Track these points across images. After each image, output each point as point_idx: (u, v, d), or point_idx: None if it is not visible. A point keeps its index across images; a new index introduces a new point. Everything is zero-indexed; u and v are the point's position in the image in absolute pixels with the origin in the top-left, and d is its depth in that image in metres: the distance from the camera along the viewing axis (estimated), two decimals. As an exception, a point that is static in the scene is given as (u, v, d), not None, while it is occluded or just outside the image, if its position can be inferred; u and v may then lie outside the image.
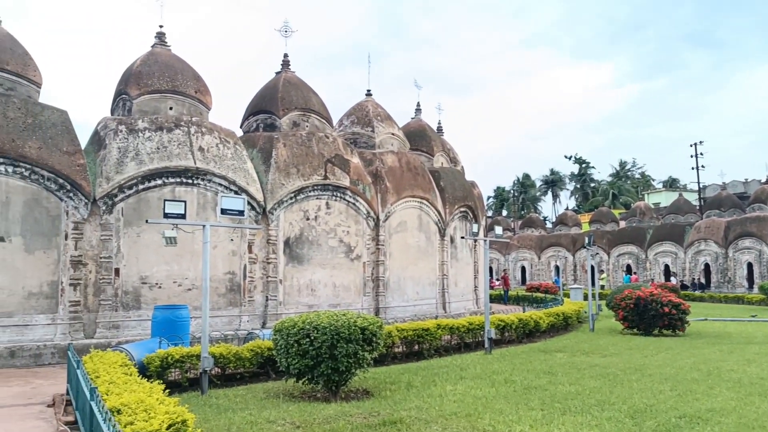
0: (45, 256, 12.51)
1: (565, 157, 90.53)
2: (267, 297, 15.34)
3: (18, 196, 12.35)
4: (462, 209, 21.87)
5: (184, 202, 10.05)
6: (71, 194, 12.81)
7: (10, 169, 12.25)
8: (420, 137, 23.30)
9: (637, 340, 15.56)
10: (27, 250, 12.32)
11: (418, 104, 25.10)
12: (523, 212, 78.94)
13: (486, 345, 13.45)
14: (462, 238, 21.24)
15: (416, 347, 12.96)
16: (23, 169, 12.37)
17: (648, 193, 71.95)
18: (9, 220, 12.21)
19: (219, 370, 9.94)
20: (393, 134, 20.96)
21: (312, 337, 8.47)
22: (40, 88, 14.07)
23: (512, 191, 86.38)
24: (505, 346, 14.52)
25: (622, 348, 14.10)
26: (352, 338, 8.56)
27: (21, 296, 12.15)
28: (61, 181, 12.68)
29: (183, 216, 9.59)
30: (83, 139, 13.94)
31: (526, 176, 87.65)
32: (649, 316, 16.78)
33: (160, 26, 16.61)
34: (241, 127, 18.73)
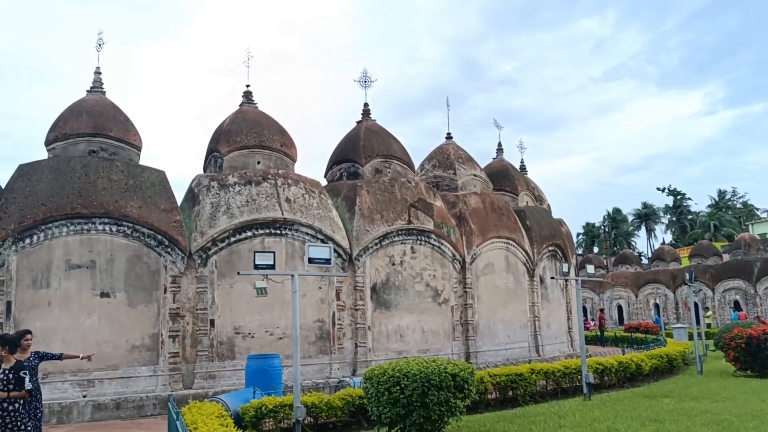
0: (146, 309, 13.12)
1: (658, 189, 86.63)
2: (356, 344, 15.37)
3: (121, 253, 13.09)
4: (550, 248, 21.29)
5: (273, 252, 10.30)
6: (169, 249, 13.45)
7: (114, 228, 13.04)
8: (503, 177, 23.05)
9: (752, 383, 14.37)
10: (130, 304, 12.97)
11: (499, 144, 24.93)
12: (615, 248, 75.88)
13: (584, 390, 12.82)
14: (552, 278, 20.61)
15: (510, 393, 12.52)
16: (126, 228, 13.14)
17: (752, 224, 67.56)
18: (114, 276, 12.93)
19: (311, 420, 9.95)
20: (475, 175, 20.85)
21: (402, 385, 8.35)
22: (140, 150, 15.02)
23: (602, 227, 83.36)
24: (605, 392, 13.78)
25: (735, 392, 13.06)
26: (443, 385, 8.38)
27: (125, 349, 12.75)
28: (159, 237, 13.35)
29: (272, 266, 9.81)
30: (179, 196, 14.70)
31: (617, 211, 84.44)
32: (764, 356, 15.51)
33: (247, 86, 17.48)
34: (325, 176, 19.20)
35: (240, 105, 17.15)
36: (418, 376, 8.32)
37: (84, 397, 12.07)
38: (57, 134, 14.47)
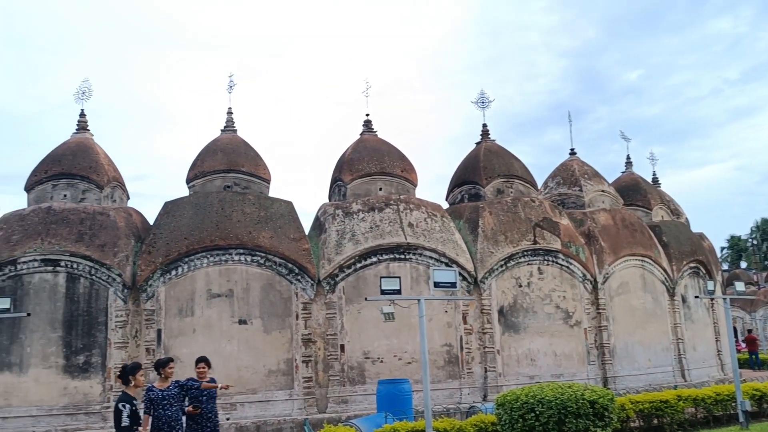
0: (280, 335, 13.65)
1: (813, 195, 78.55)
2: (485, 368, 15.05)
3: (256, 282, 13.76)
4: (692, 265, 19.82)
5: (399, 278, 10.38)
6: (299, 277, 13.96)
7: (248, 258, 13.76)
8: (633, 191, 21.87)
9: None
10: (265, 330, 13.57)
11: (628, 157, 23.72)
12: (766, 263, 69.37)
13: (740, 419, 11.70)
14: (696, 297, 19.14)
15: (655, 421, 11.69)
16: (259, 257, 13.81)
17: None
18: (250, 304, 13.61)
19: (443, 446, 9.80)
20: (603, 191, 19.96)
21: (537, 412, 8.05)
22: (269, 183, 15.83)
23: (750, 240, 76.59)
24: (765, 420, 12.50)
25: None
26: (581, 413, 7.97)
27: (262, 374, 13.32)
28: (290, 265, 13.91)
29: (398, 291, 9.87)
30: (306, 225, 15.26)
31: (767, 222, 77.36)
32: None
33: (367, 115, 17.96)
34: (446, 199, 19.18)
35: (360, 134, 17.63)
36: (554, 403, 7.99)
37: (227, 419, 12.70)
38: (196, 172, 15.59)
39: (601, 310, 16.85)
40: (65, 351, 13.10)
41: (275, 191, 16.08)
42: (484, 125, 19.61)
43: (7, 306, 9.15)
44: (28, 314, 11.40)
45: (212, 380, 8.47)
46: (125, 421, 7.23)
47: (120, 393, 7.85)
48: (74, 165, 15.17)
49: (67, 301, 13.38)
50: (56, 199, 14.83)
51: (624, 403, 11.19)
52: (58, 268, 13.45)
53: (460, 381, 14.64)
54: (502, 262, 15.79)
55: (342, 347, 13.94)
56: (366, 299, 11.40)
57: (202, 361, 8.57)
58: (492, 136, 19.47)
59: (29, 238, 13.62)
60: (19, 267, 13.36)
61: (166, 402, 7.96)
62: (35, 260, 13.38)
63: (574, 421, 7.91)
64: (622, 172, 23.44)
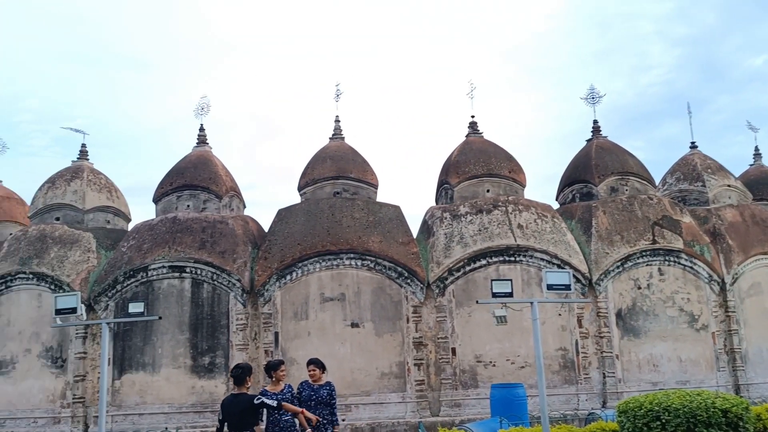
0: (391, 338, 13.80)
1: None
2: (604, 374, 14.44)
3: (366, 285, 14.00)
4: (834, 263, 18.03)
5: (510, 280, 10.18)
6: (408, 280, 14.05)
7: (359, 262, 14.03)
8: (764, 185, 20.24)
9: None
10: (377, 333, 13.76)
11: (756, 148, 21.95)
12: None
13: None
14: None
15: (798, 434, 10.70)
16: (369, 261, 14.05)
17: None
18: (361, 307, 13.87)
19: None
20: (728, 186, 18.62)
21: (663, 420, 7.60)
22: (377, 188, 16.07)
23: None
24: None
25: None
26: (713, 422, 7.44)
27: (375, 376, 13.51)
28: (399, 269, 14.03)
29: (510, 294, 9.68)
30: (414, 229, 15.33)
31: None
32: None
33: (472, 116, 17.78)
34: (556, 199, 18.63)
35: (466, 135, 17.50)
36: (682, 411, 7.50)
37: (343, 420, 12.99)
38: (307, 180, 16.11)
39: (730, 313, 15.70)
40: (192, 352, 13.93)
41: (383, 196, 16.33)
42: (595, 121, 18.86)
43: (141, 310, 9.81)
44: (160, 317, 12.24)
45: (328, 385, 7.98)
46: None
47: (228, 395, 7.63)
48: (195, 177, 16.12)
49: (192, 305, 14.23)
50: (180, 209, 15.82)
51: (760, 413, 10.34)
52: (184, 274, 14.34)
53: (577, 386, 14.14)
54: (619, 263, 15.09)
55: (453, 350, 13.88)
56: (477, 302, 11.26)
57: (313, 363, 8.04)
58: (603, 133, 18.69)
59: (158, 246, 14.62)
60: (150, 273, 14.37)
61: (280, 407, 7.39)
62: (164, 267, 14.33)
63: (705, 430, 7.40)
64: (750, 165, 21.74)
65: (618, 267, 15.10)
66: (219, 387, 13.64)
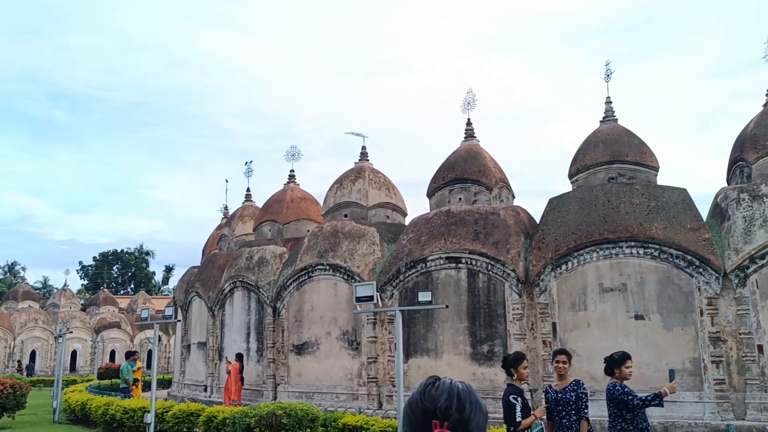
0: (682, 332, 12.68)
1: None
2: None
3: (650, 275, 13.06)
4: None
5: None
6: (700, 270, 12.77)
7: (641, 250, 13.14)
8: None
9: None
10: (665, 327, 12.76)
11: None
12: None
13: None
14: None
15: None
16: (652, 250, 13.08)
17: None
18: (645, 298, 12.98)
19: None
20: None
21: None
22: (657, 171, 14.89)
23: None
24: None
25: None
26: None
27: (665, 372, 12.52)
28: (688, 257, 12.82)
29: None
30: (703, 213, 13.88)
31: None
32: None
33: (769, 82, 15.50)
34: None
35: (763, 105, 15.31)
36: None
37: (630, 417, 12.32)
38: (578, 167, 15.57)
39: None
40: (471, 340, 14.42)
41: (664, 179, 15.04)
42: None
43: (429, 299, 10.41)
44: (446, 306, 12.88)
45: (576, 383, 6.93)
46: (519, 416, 6.50)
47: (507, 385, 7.06)
48: (465, 170, 16.62)
49: (469, 294, 14.71)
50: (453, 202, 16.45)
51: None
52: (460, 265, 14.88)
53: None
54: None
55: (760, 348, 12.26)
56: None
57: (563, 353, 7.11)
58: None
59: (434, 238, 15.39)
60: (428, 264, 15.20)
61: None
62: (440, 258, 15.05)
63: None
64: None
65: None
66: (499, 375, 13.88)
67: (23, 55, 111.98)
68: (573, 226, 13.98)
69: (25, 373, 37.42)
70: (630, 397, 6.47)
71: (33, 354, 40.99)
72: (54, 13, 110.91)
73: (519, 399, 6.58)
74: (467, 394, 1.68)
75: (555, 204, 14.80)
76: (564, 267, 13.77)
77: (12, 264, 72.34)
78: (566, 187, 15.93)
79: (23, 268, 67.61)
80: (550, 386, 7.12)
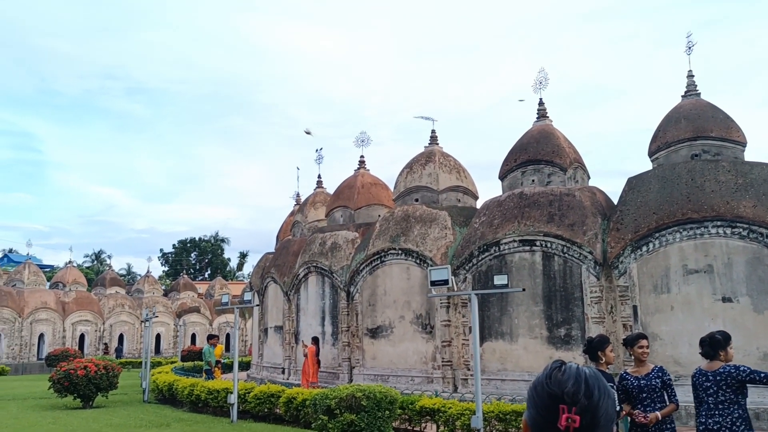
0: (774, 315, 12.07)
1: None
2: None
3: (739, 256, 12.46)
4: None
5: None
6: (794, 250, 12.09)
7: (728, 230, 12.55)
8: None
9: None
10: (756, 309, 12.17)
11: None
12: None
13: None
14: None
15: None
16: (741, 229, 12.47)
17: None
18: (733, 280, 12.41)
19: None
20: None
21: None
22: (744, 147, 14.15)
23: None
24: None
25: None
26: None
27: (756, 357, 11.98)
28: (781, 236, 12.16)
29: None
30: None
31: None
32: None
33: None
34: None
35: None
36: None
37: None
38: (658, 144, 14.97)
39: None
40: (547, 323, 14.19)
41: (753, 155, 14.29)
42: None
43: (505, 282, 10.29)
44: (523, 289, 12.72)
45: (660, 369, 6.44)
46: (617, 406, 5.96)
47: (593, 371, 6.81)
48: (538, 151, 16.28)
49: (544, 277, 14.46)
50: (525, 184, 16.17)
51: None
52: (534, 248, 14.64)
53: None
54: None
55: None
56: None
57: (644, 338, 6.59)
58: None
59: (507, 221, 15.19)
60: (501, 248, 15.03)
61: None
62: (514, 241, 14.85)
63: None
64: None
65: None
66: (577, 359, 13.60)
67: (103, 52, 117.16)
68: (654, 206, 13.48)
69: (114, 355, 39.54)
70: (763, 374, 5.77)
71: (121, 337, 43.17)
72: (130, 11, 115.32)
73: (613, 386, 6.14)
74: (595, 380, 1.63)
75: (634, 183, 14.31)
76: (645, 248, 13.32)
77: (98, 252, 76.42)
78: (643, 165, 15.39)
79: (109, 256, 71.14)
80: (626, 372, 6.52)
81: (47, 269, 61.44)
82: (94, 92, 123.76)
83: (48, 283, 43.81)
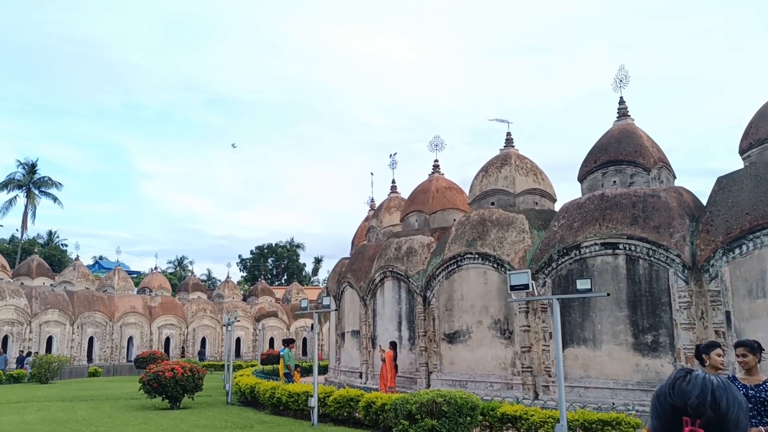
0: None
1: None
2: None
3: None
4: None
5: None
6: None
7: (831, 231, 11.76)
8: None
9: None
10: None
11: None
12: None
13: None
14: None
15: None
16: None
17: None
18: (839, 284, 11.60)
19: None
20: None
21: None
22: None
23: None
24: None
25: None
26: None
27: None
28: None
29: None
30: None
31: None
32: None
33: None
34: None
35: None
36: None
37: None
38: (750, 141, 14.21)
39: None
40: (632, 329, 13.69)
41: None
42: None
43: (588, 286, 10.00)
44: (608, 294, 12.33)
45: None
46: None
47: (722, 380, 6.32)
48: (620, 151, 15.77)
49: (628, 281, 13.97)
50: (606, 186, 15.69)
51: None
52: (617, 251, 14.17)
53: None
54: None
55: None
56: None
57: (742, 346, 5.91)
58: None
59: (588, 224, 14.78)
60: (582, 251, 14.64)
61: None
62: (595, 244, 14.42)
63: None
64: None
65: None
66: (665, 366, 13.08)
67: (182, 65, 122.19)
68: (747, 207, 12.79)
69: (198, 358, 41.00)
70: None
71: (203, 341, 44.75)
72: (206, 24, 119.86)
73: None
74: (723, 391, 1.54)
75: (724, 183, 13.62)
76: (737, 251, 12.65)
77: (181, 258, 79.56)
78: (732, 164, 14.61)
79: (191, 262, 74.07)
80: (735, 377, 5.86)
81: (134, 275, 64.52)
82: (175, 104, 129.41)
83: (135, 289, 45.97)
